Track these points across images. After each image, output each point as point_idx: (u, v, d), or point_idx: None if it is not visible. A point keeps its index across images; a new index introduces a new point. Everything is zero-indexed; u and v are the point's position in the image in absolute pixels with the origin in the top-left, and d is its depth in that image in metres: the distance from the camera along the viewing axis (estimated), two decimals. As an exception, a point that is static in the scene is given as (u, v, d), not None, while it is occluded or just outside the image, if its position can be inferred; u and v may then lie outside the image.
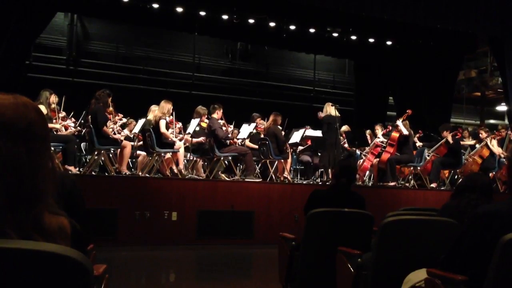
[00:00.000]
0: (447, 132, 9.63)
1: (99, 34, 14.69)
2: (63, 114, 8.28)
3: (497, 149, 9.70)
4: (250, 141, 9.60)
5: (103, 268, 1.97)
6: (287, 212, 7.90)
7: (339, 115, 9.23)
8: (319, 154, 9.78)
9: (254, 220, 7.82)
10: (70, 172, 7.16)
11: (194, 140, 8.82)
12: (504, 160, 9.00)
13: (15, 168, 1.12)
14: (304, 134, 9.49)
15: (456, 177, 9.96)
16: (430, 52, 12.89)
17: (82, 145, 9.66)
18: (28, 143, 1.16)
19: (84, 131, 8.28)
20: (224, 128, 8.82)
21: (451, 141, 9.50)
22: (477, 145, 10.09)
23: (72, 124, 8.59)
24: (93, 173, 8.33)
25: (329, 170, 9.00)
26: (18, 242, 1.08)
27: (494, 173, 9.70)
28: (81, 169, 8.16)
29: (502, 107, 18.12)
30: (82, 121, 8.70)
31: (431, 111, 12.69)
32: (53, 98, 7.70)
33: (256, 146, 9.32)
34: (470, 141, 10.54)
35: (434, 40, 12.59)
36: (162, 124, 8.10)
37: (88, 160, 8.66)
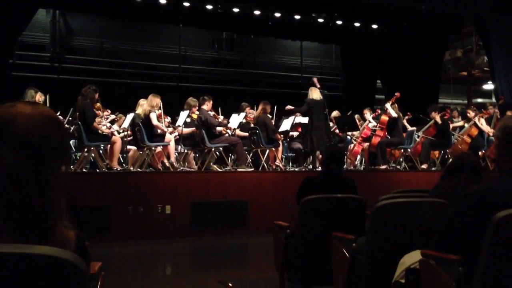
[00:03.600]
0: (435, 113, 9.69)
1: (83, 29, 14.52)
2: (50, 112, 8.18)
3: (486, 128, 9.77)
4: (240, 130, 9.59)
5: (98, 265, 1.96)
6: (281, 200, 7.92)
7: (321, 98, 9.10)
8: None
9: (248, 209, 7.84)
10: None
11: (185, 131, 8.80)
12: (493, 138, 9.07)
13: (19, 181, 1.10)
14: (294, 122, 9.49)
15: (446, 157, 10.03)
16: (416, 34, 12.92)
17: (71, 142, 9.59)
18: (39, 157, 1.13)
19: (72, 128, 8.22)
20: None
21: (439, 122, 9.56)
22: (466, 125, 10.16)
23: (60, 122, 8.51)
24: (84, 170, 8.28)
25: (316, 154, 8.99)
26: (11, 246, 1.07)
27: (483, 151, 9.79)
28: (71, 166, 8.10)
29: (488, 86, 18.25)
30: (70, 118, 8.63)
31: (419, 93, 12.74)
32: (39, 97, 7.63)
33: (247, 134, 9.31)
34: (459, 123, 10.59)
35: (419, 22, 12.61)
36: (154, 117, 8.07)
37: (78, 157, 8.60)
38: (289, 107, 9.32)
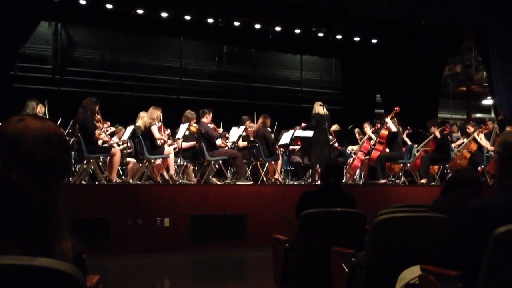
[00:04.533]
0: (434, 127, 9.70)
1: (84, 42, 14.61)
2: (50, 123, 8.18)
3: (485, 143, 9.78)
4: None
5: (96, 279, 1.94)
6: (280, 214, 7.89)
7: (327, 113, 9.24)
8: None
9: (247, 223, 7.81)
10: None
11: (185, 145, 8.80)
12: (492, 153, 9.07)
13: (26, 197, 1.11)
14: (294, 135, 9.51)
15: (445, 172, 10.02)
16: (416, 49, 12.99)
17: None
18: (45, 174, 1.14)
19: (72, 140, 8.22)
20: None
21: (439, 136, 9.57)
22: (465, 140, 10.17)
23: (60, 134, 8.49)
24: (83, 182, 8.26)
25: (317, 168, 9.02)
26: (14, 258, 1.07)
27: (482, 167, 9.78)
28: (70, 178, 8.08)
29: (488, 101, 18.29)
30: (70, 130, 8.63)
31: (419, 107, 12.78)
32: (40, 109, 7.65)
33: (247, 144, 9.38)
34: (458, 141, 10.57)
35: (419, 36, 12.69)
36: (155, 130, 8.07)
37: (77, 169, 8.59)
38: (304, 125, 9.49)
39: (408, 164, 9.71)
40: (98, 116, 8.20)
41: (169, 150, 8.42)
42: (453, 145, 10.19)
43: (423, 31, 12.34)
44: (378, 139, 9.61)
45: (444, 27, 12.01)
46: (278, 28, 12.27)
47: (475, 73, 17.41)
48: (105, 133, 8.62)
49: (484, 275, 2.04)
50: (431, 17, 11.10)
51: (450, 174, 8.84)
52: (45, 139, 1.17)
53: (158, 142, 8.18)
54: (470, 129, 10.05)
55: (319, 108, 9.26)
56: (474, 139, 9.79)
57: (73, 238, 1.25)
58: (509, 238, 2.02)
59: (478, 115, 19.42)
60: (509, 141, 2.23)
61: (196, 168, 9.37)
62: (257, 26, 12.06)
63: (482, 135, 9.88)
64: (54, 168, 1.17)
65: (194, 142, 8.80)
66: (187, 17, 11.55)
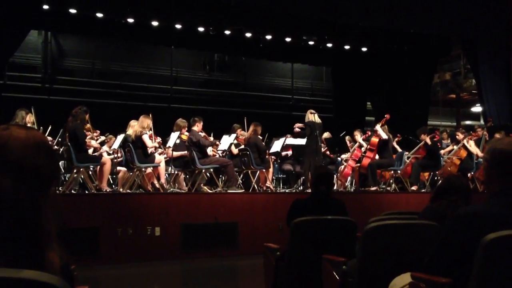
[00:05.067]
0: (425, 135, 9.76)
1: (74, 51, 14.58)
2: (40, 133, 8.13)
3: (474, 150, 9.85)
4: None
5: (85, 290, 1.92)
6: (271, 222, 7.87)
7: (319, 121, 9.28)
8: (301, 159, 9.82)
9: (238, 231, 7.78)
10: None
11: (175, 153, 8.77)
12: (482, 160, 9.13)
13: (16, 206, 1.11)
14: (285, 143, 9.52)
15: (436, 178, 10.07)
16: (405, 57, 13.10)
17: (61, 163, 9.52)
18: (32, 183, 1.14)
19: (62, 149, 8.16)
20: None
21: (429, 143, 9.63)
22: (455, 147, 10.23)
23: (50, 143, 8.45)
24: (73, 191, 8.20)
25: (309, 176, 9.03)
26: None
27: (472, 173, 9.84)
28: (60, 188, 8.02)
29: (477, 108, 18.47)
30: (60, 139, 8.58)
31: (409, 115, 12.86)
32: (29, 118, 7.59)
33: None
34: (448, 148, 10.63)
35: (408, 44, 12.80)
36: (147, 139, 8.04)
37: (67, 179, 8.53)
38: (298, 124, 9.48)
39: (399, 171, 9.75)
40: (88, 125, 8.16)
41: (159, 158, 8.39)
42: (442, 151, 10.24)
43: (412, 39, 12.45)
44: (368, 146, 9.64)
45: (433, 36, 12.13)
46: (269, 37, 12.32)
47: (464, 81, 17.59)
48: (95, 140, 8.58)
49: (474, 282, 2.05)
50: (420, 25, 11.22)
51: (440, 181, 8.89)
52: (32, 147, 1.16)
53: (150, 150, 8.15)
54: (460, 136, 10.11)
55: (312, 116, 9.27)
56: (464, 146, 9.86)
57: (61, 248, 1.24)
58: (498, 245, 2.03)
59: (468, 122, 19.59)
60: (497, 148, 2.25)
61: (187, 176, 9.34)
62: (248, 34, 12.10)
63: (471, 142, 9.95)
64: (41, 176, 1.16)
65: (185, 151, 8.78)
66: (178, 26, 11.56)
